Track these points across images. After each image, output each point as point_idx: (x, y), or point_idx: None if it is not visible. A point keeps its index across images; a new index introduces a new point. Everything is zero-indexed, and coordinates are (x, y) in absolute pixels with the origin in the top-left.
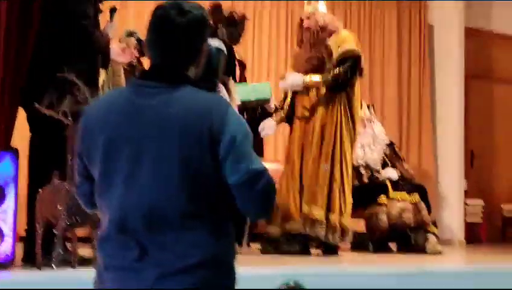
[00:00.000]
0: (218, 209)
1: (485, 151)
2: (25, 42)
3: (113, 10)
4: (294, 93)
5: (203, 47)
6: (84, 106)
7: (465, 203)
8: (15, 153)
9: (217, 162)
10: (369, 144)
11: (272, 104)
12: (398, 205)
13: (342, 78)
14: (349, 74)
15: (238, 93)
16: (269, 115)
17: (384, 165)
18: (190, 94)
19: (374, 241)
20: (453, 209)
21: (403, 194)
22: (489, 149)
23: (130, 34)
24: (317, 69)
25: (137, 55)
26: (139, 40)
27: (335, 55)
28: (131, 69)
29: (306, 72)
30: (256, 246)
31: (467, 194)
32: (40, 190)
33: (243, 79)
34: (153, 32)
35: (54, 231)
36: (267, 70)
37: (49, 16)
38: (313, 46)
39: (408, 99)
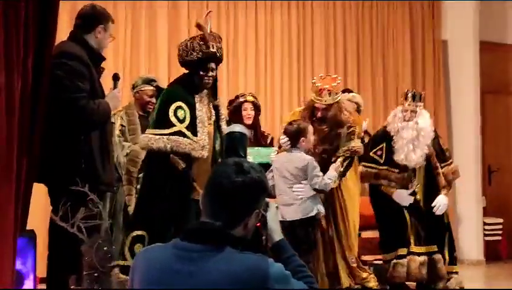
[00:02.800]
0: None
1: (503, 167)
2: (35, 119)
3: (116, 77)
4: None
5: (256, 211)
6: (97, 220)
7: (484, 222)
8: (32, 236)
9: None
10: (412, 139)
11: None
12: (418, 259)
13: None
14: None
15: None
16: None
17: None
18: (229, 259)
19: (391, 285)
20: (472, 228)
21: (422, 248)
22: (507, 164)
23: (148, 81)
24: None
25: (154, 102)
26: (158, 88)
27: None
28: (147, 116)
29: None
30: None
31: (486, 210)
32: None
33: (256, 123)
34: (209, 187)
35: None
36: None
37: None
38: None
39: None
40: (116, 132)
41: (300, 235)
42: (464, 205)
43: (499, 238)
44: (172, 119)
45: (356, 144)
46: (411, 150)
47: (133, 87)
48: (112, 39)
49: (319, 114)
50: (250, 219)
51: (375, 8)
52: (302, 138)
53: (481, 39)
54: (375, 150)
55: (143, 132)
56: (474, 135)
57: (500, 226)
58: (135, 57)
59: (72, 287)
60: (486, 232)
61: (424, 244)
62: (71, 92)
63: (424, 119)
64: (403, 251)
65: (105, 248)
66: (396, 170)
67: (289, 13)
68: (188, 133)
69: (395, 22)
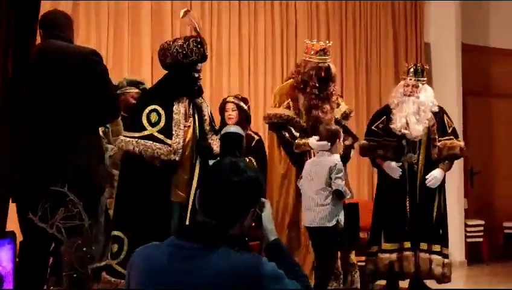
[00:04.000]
0: None
1: (485, 169)
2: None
3: None
4: None
5: (251, 210)
6: (77, 221)
7: (466, 224)
8: (12, 236)
9: None
10: (413, 113)
11: None
12: (387, 257)
13: None
14: None
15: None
16: None
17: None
18: (224, 258)
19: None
20: (454, 230)
21: (393, 245)
22: (489, 166)
23: (135, 83)
24: None
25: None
26: (144, 91)
27: None
28: (127, 118)
29: None
30: None
31: (467, 212)
32: None
33: (241, 124)
34: (205, 188)
35: None
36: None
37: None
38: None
39: None
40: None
41: (320, 241)
42: (447, 206)
43: (481, 239)
44: (144, 122)
45: (343, 107)
46: (414, 123)
47: (117, 88)
48: None
49: (323, 74)
50: (247, 218)
51: (358, 11)
52: (338, 140)
53: (463, 42)
54: (376, 123)
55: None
56: None
57: (482, 228)
58: (118, 57)
59: (51, 288)
60: (468, 234)
61: (410, 239)
62: (112, 88)
63: (426, 94)
64: (374, 249)
65: (84, 249)
66: (394, 139)
67: (272, 14)
68: (161, 137)
69: (378, 25)
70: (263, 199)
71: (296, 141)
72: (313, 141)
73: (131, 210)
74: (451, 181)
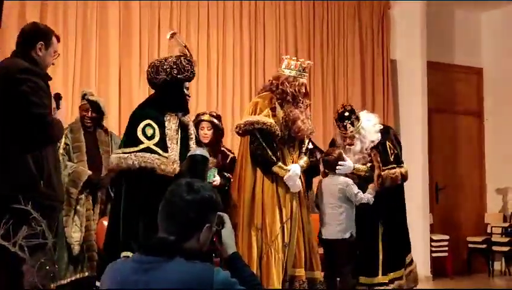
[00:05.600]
0: None
1: (450, 184)
2: None
3: (58, 97)
4: None
5: (207, 226)
6: (40, 239)
7: (431, 239)
8: None
9: None
10: (354, 162)
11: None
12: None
13: None
14: None
15: None
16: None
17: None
18: (177, 268)
19: None
20: (419, 245)
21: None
22: (453, 182)
23: (83, 95)
24: None
25: (90, 115)
26: (89, 101)
27: None
28: (92, 132)
29: None
30: None
31: (433, 227)
32: None
33: (215, 141)
34: (163, 205)
35: None
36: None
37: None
38: None
39: None
40: (60, 150)
41: (339, 252)
42: (412, 221)
43: (445, 254)
44: (140, 137)
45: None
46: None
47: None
48: (57, 56)
49: (303, 90)
50: (202, 233)
51: (325, 29)
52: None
53: (429, 59)
54: None
55: (87, 148)
56: (422, 153)
57: (447, 243)
58: (85, 69)
59: None
60: (433, 249)
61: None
62: (40, 108)
63: (363, 140)
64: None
65: (47, 268)
66: None
67: (241, 32)
68: (157, 149)
69: (345, 42)
70: (223, 215)
71: (279, 164)
72: (294, 177)
73: (135, 229)
74: (416, 197)
